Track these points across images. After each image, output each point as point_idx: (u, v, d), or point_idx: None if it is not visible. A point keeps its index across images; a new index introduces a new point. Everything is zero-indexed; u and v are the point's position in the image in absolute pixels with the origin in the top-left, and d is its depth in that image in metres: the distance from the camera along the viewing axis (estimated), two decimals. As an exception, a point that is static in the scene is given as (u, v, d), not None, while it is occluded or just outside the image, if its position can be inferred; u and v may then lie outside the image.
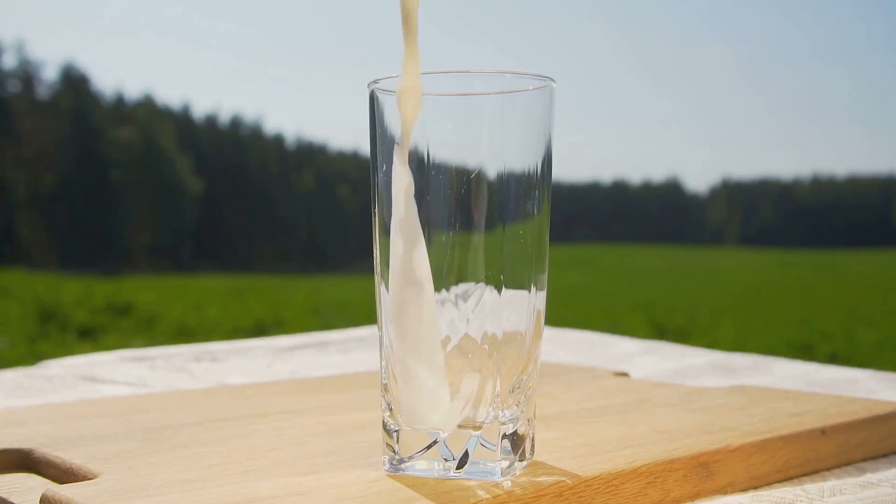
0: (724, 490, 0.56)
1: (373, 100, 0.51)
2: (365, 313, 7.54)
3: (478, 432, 0.49)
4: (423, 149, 0.49)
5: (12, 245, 24.39)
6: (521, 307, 0.51)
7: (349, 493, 0.47)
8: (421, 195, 0.49)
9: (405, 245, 0.48)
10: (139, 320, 7.40)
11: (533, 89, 0.50)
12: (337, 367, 1.08)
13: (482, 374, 0.50)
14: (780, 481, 0.59)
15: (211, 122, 35.31)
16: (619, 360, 1.14)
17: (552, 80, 0.51)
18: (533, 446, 0.53)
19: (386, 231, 0.50)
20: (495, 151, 0.49)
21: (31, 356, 4.43)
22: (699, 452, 0.55)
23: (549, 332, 1.35)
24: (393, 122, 0.50)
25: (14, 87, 27.24)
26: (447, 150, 0.49)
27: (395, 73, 0.50)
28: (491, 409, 0.50)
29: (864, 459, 0.65)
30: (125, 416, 0.66)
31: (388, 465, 0.51)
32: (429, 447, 0.50)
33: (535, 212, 0.51)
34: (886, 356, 5.99)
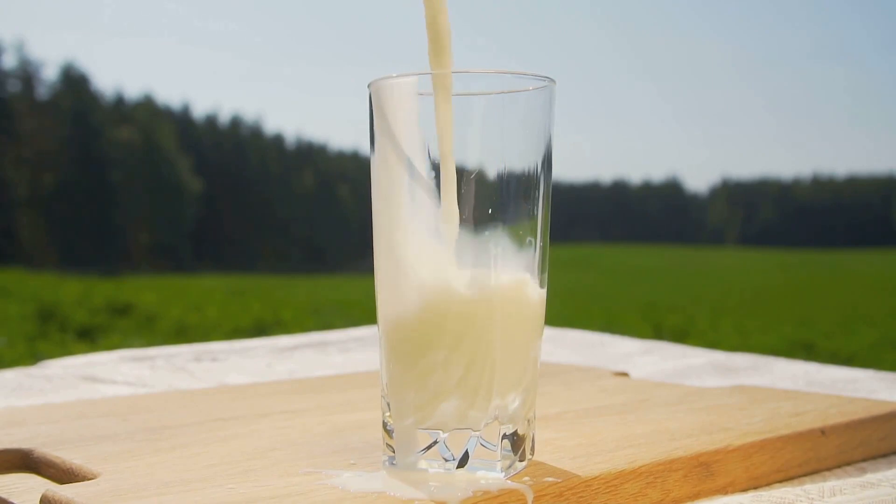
0: (724, 490, 0.56)
1: (373, 100, 0.51)
2: (365, 313, 7.54)
3: (478, 432, 0.49)
4: (423, 149, 0.49)
5: (12, 245, 24.38)
6: (521, 307, 0.51)
7: (349, 493, 0.47)
8: (421, 195, 0.49)
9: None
10: (139, 320, 7.40)
11: (533, 89, 0.50)
12: (337, 367, 1.08)
13: (483, 373, 0.50)
14: (780, 481, 0.59)
15: (211, 122, 35.34)
16: (619, 360, 1.14)
17: (552, 80, 0.51)
18: (533, 446, 0.53)
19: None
20: (495, 151, 0.49)
21: (30, 356, 4.43)
22: (699, 452, 0.55)
23: (549, 332, 1.35)
24: (392, 121, 0.50)
25: (14, 87, 27.25)
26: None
27: (395, 72, 0.50)
28: (491, 408, 0.50)
29: (864, 459, 0.65)
30: (125, 416, 0.66)
31: (388, 465, 0.51)
32: (429, 447, 0.50)
33: (535, 212, 0.51)
34: (886, 356, 5.99)
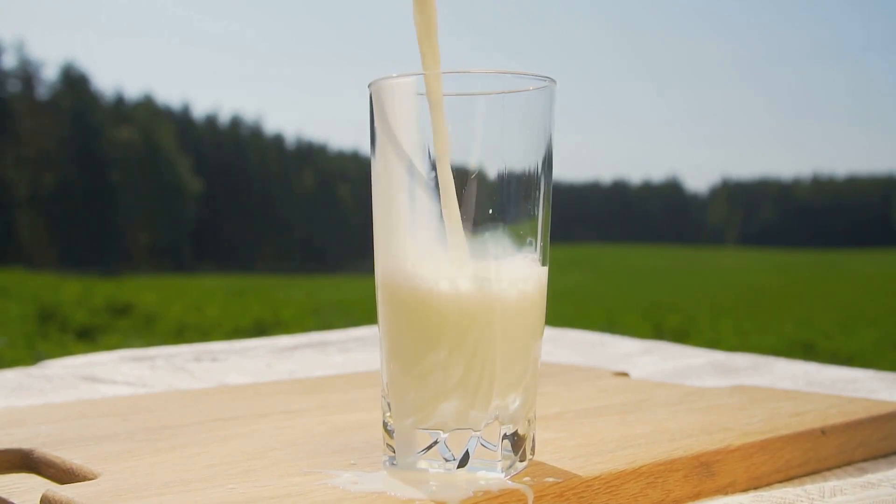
0: (724, 490, 0.56)
1: (373, 100, 0.51)
2: (365, 313, 7.54)
3: (478, 432, 0.49)
4: (423, 149, 0.49)
5: (12, 245, 24.39)
6: (521, 307, 0.51)
7: (349, 493, 0.47)
8: (421, 195, 0.49)
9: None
10: (139, 320, 7.39)
11: (533, 89, 0.50)
12: (337, 367, 1.08)
13: (483, 373, 0.49)
14: (780, 481, 0.59)
15: (211, 122, 35.34)
16: (619, 360, 1.14)
17: (552, 80, 0.51)
18: (533, 446, 0.53)
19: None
20: (495, 151, 0.49)
21: (30, 356, 4.43)
22: (699, 452, 0.55)
23: (549, 332, 1.35)
24: (393, 121, 0.50)
25: (14, 87, 27.24)
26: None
27: (395, 72, 0.50)
28: (491, 408, 0.50)
29: (865, 459, 0.65)
30: (125, 416, 0.66)
31: (388, 465, 0.51)
32: (429, 447, 0.50)
33: (536, 212, 0.51)
34: (886, 356, 5.99)
